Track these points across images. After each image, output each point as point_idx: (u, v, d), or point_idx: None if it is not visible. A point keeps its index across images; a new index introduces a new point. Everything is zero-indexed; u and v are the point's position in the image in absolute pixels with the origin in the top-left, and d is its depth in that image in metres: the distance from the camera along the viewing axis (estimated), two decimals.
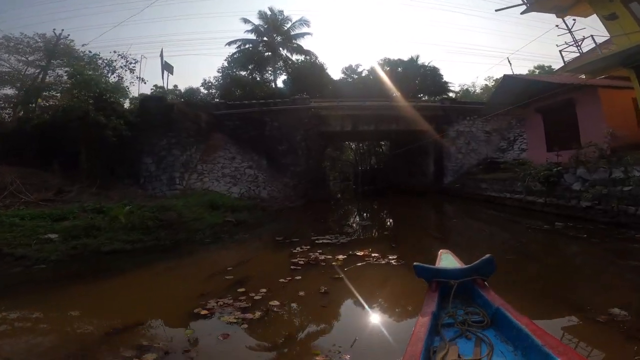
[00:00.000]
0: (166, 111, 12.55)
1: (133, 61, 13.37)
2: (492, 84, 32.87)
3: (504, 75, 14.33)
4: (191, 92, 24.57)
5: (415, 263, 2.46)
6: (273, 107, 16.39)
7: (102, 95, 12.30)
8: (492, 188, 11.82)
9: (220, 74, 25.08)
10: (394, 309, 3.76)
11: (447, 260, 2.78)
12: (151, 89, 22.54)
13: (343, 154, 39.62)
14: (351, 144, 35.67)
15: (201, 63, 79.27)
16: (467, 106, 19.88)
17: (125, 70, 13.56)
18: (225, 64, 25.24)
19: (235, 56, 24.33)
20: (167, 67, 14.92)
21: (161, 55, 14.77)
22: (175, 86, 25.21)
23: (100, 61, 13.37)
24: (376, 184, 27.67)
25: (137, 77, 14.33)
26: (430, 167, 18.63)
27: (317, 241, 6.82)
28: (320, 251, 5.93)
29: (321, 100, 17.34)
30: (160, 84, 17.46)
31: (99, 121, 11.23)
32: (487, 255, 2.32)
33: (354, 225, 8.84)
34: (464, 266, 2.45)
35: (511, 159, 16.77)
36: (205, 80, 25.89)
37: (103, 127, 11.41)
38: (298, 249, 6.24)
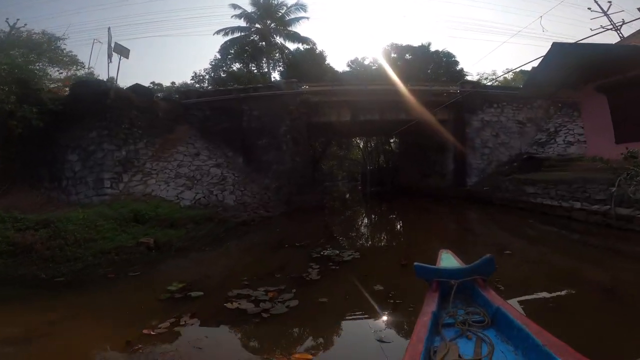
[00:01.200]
0: (101, 98, 9.39)
1: (57, 39, 10.34)
2: (511, 76, 28.18)
3: (553, 44, 10.03)
4: (186, 87, 21.79)
5: (415, 263, 2.22)
6: (253, 94, 13.03)
7: (26, 82, 9.31)
8: (546, 193, 7.81)
9: (211, 67, 22.15)
10: None
11: (447, 259, 2.54)
12: (149, 85, 19.81)
13: (350, 153, 36.22)
14: (359, 141, 32.07)
15: (199, 54, 76.24)
16: (493, 92, 15.85)
17: (61, 50, 10.54)
18: (218, 55, 22.31)
19: (226, 44, 21.26)
20: (119, 49, 11.83)
21: (109, 35, 11.70)
22: (173, 83, 22.54)
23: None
24: (384, 186, 23.98)
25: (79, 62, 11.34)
26: (449, 165, 14.68)
27: (230, 302, 3.26)
28: (199, 348, 2.41)
29: (313, 85, 13.82)
30: (158, 80, 14.38)
31: (3, 110, 8.19)
32: (487, 255, 2.11)
33: (330, 259, 5.08)
34: (465, 266, 2.27)
35: (555, 155, 12.76)
36: (195, 73, 22.94)
37: (11, 116, 8.39)
38: (161, 326, 2.73)
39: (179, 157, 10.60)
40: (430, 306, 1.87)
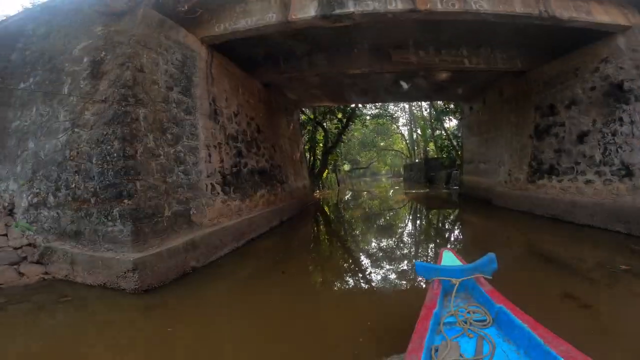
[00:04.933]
0: None
1: None
2: None
3: None
4: None
5: (417, 262, 2.23)
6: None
7: None
8: None
9: None
10: None
11: (448, 258, 2.44)
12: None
13: (393, 142, 29.03)
14: (403, 127, 23.19)
15: None
16: None
17: None
18: None
19: None
20: None
21: None
22: None
23: None
24: (435, 186, 15.03)
25: None
26: None
27: None
28: None
29: None
30: None
31: None
32: (489, 253, 2.05)
33: None
34: (466, 264, 2.19)
35: None
36: None
37: None
38: None
39: None
40: (431, 305, 1.79)
